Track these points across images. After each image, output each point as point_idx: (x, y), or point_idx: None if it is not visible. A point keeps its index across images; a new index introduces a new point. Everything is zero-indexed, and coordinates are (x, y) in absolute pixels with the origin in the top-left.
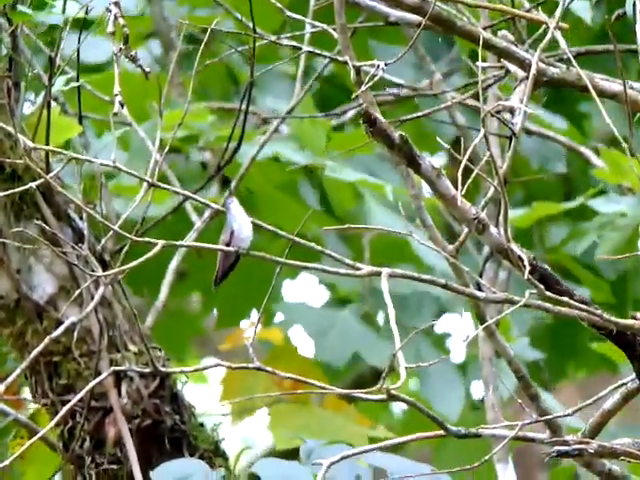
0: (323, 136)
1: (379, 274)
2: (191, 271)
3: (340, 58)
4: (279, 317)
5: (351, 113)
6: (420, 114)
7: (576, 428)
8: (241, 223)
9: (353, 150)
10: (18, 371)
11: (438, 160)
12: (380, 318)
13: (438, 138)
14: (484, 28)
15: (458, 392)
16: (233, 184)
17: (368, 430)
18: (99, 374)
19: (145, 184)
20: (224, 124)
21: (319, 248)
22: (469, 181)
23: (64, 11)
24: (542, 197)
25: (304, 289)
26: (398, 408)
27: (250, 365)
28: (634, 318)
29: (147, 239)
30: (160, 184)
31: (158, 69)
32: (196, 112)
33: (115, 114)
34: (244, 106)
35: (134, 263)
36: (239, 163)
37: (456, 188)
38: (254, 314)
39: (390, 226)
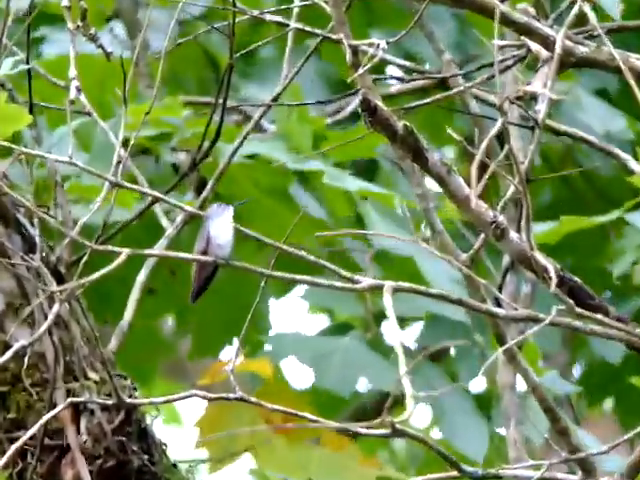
0: (309, 136)
1: (381, 288)
2: (162, 290)
3: (334, 36)
4: (268, 346)
5: (351, 106)
6: (427, 101)
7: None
8: (220, 228)
9: (352, 151)
10: None
11: (449, 154)
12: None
13: (449, 129)
14: (501, 1)
15: (481, 428)
16: (209, 185)
17: (375, 471)
18: (54, 407)
19: (107, 184)
20: (201, 118)
21: (311, 258)
22: (485, 178)
23: None
24: (576, 198)
25: (296, 316)
26: (400, 445)
27: (231, 395)
28: None
29: (110, 247)
30: (125, 183)
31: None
32: (168, 106)
33: (72, 102)
34: (224, 95)
35: (95, 275)
36: (219, 164)
37: (470, 186)
38: (236, 342)
39: (394, 241)
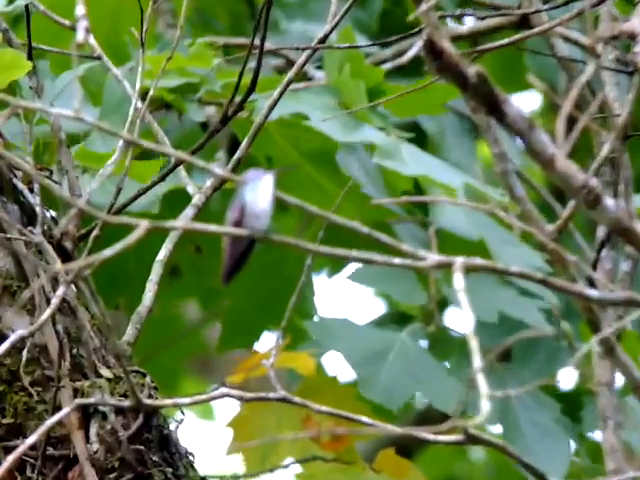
0: (364, 93)
1: (450, 265)
2: (187, 270)
3: None
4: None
5: (413, 50)
6: (505, 42)
7: None
8: (257, 195)
9: (415, 107)
10: None
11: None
12: None
13: (531, 76)
14: None
15: (561, 442)
16: (244, 144)
17: None
18: (58, 409)
19: (121, 142)
20: (233, 67)
21: (365, 229)
22: (575, 134)
23: None
24: None
25: (345, 301)
26: (479, 454)
27: (272, 395)
28: None
29: (125, 219)
30: (142, 142)
31: None
32: (195, 54)
33: (79, 45)
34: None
35: (107, 252)
36: (254, 119)
37: (556, 144)
38: (275, 331)
39: (465, 224)
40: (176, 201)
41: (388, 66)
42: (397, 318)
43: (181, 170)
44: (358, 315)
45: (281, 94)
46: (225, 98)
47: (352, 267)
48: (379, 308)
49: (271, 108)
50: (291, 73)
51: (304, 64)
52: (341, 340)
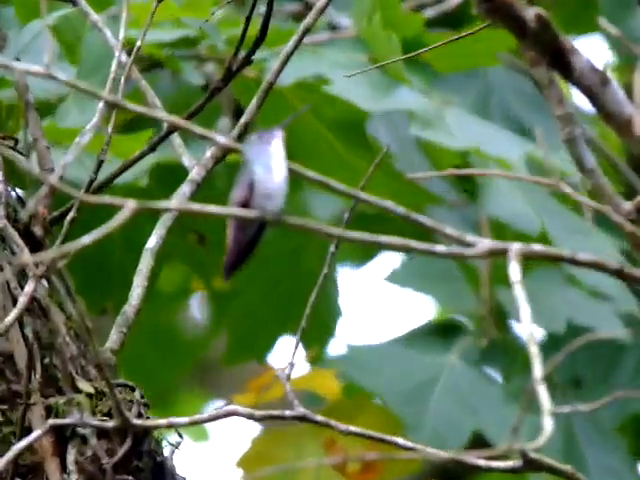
0: (398, 48)
1: (504, 252)
2: (184, 262)
3: None
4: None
5: None
6: None
7: None
8: (267, 168)
9: (463, 60)
10: None
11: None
12: None
13: (603, 19)
14: None
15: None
16: (251, 106)
17: None
18: (28, 432)
19: (102, 104)
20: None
21: (400, 210)
22: None
23: None
24: None
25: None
26: None
27: (288, 413)
28: None
29: (108, 198)
30: (127, 104)
31: None
32: (192, 1)
33: None
34: None
35: (85, 239)
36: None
37: (635, 103)
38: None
39: (521, 210)
40: (170, 176)
41: (430, 13)
42: (444, 329)
43: (176, 138)
44: (393, 323)
45: (297, 45)
46: (228, 54)
47: (380, 261)
48: (425, 313)
49: (285, 61)
50: (309, 19)
51: (324, 8)
52: (376, 373)
